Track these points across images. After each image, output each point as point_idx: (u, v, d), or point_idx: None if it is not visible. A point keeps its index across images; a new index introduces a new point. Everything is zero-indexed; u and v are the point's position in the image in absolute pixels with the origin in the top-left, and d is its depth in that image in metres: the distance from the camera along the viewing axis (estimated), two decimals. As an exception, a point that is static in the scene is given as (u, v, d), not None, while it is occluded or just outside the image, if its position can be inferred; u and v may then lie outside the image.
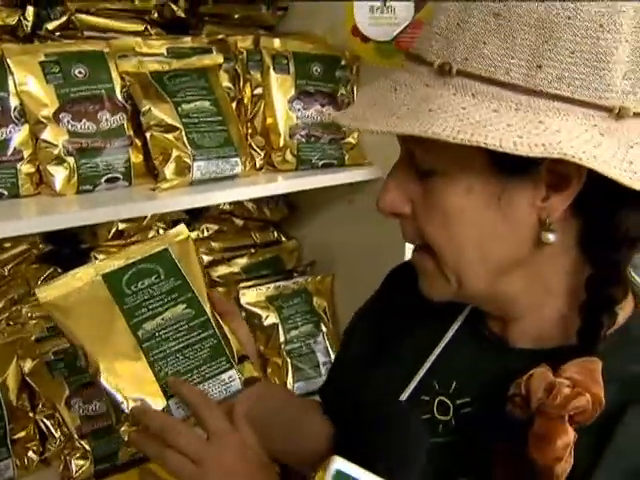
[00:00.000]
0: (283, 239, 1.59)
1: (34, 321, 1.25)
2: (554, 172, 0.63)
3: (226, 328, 0.84)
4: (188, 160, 1.14)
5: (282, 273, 1.55)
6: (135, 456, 1.22)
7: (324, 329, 1.51)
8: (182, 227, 0.90)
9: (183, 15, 1.32)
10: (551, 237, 0.65)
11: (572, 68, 0.60)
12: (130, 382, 0.78)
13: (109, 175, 1.13)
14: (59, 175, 1.08)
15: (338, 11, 1.36)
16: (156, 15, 1.30)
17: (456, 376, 0.79)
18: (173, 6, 1.31)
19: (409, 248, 1.35)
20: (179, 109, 1.16)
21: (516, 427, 0.64)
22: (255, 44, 1.30)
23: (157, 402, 0.78)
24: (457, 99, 0.62)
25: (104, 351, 0.79)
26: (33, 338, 1.23)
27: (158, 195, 1.13)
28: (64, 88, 1.10)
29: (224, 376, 0.81)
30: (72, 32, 1.21)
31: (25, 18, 1.17)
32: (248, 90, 1.30)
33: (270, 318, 1.44)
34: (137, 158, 1.16)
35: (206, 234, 1.44)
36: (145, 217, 1.32)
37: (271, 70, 1.29)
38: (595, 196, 0.63)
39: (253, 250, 1.54)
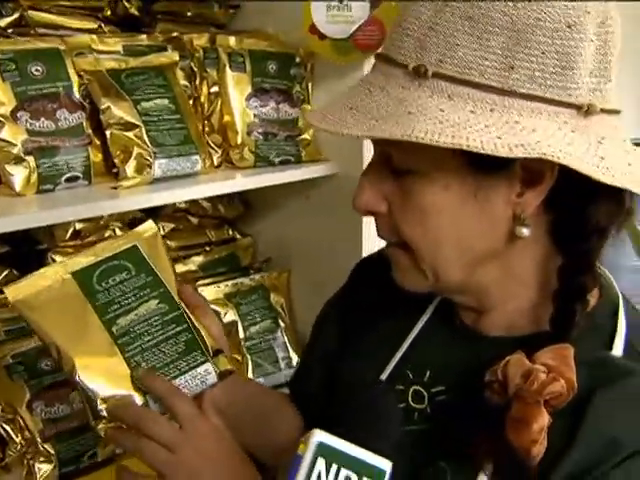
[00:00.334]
0: (238, 236, 1.59)
1: (-10, 325, 1.22)
2: (528, 169, 0.66)
3: (198, 322, 0.84)
4: (149, 158, 1.14)
5: (238, 270, 1.55)
6: (100, 458, 1.21)
7: (282, 325, 1.53)
8: (150, 223, 0.91)
9: (136, 13, 1.31)
10: (525, 231, 0.68)
11: (543, 68, 0.62)
12: (107, 378, 0.78)
13: (69, 174, 1.11)
14: (19, 175, 1.06)
15: (290, 9, 1.38)
16: (109, 13, 1.29)
17: (429, 365, 0.81)
18: (126, 4, 1.29)
19: (365, 243, 1.38)
20: (138, 107, 1.15)
21: (492, 412, 0.67)
22: (211, 42, 1.31)
23: (135, 398, 0.78)
24: (434, 101, 0.64)
25: (79, 348, 0.78)
26: (-10, 342, 1.20)
27: (119, 194, 1.12)
28: (21, 86, 1.08)
29: (200, 369, 0.82)
30: (24, 29, 1.18)
31: (-24, 16, 1.14)
32: (205, 88, 1.30)
33: (229, 315, 1.44)
34: (96, 157, 1.15)
35: (162, 233, 1.43)
36: (102, 217, 1.30)
37: (227, 68, 1.30)
38: (566, 190, 0.66)
39: (208, 248, 1.53)
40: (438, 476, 0.72)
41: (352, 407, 0.70)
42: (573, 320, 0.68)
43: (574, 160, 0.62)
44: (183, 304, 0.84)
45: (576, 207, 0.68)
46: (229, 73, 1.30)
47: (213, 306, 1.42)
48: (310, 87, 1.39)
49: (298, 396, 1.05)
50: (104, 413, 0.77)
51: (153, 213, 1.41)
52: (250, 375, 1.44)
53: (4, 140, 1.05)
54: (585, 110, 0.64)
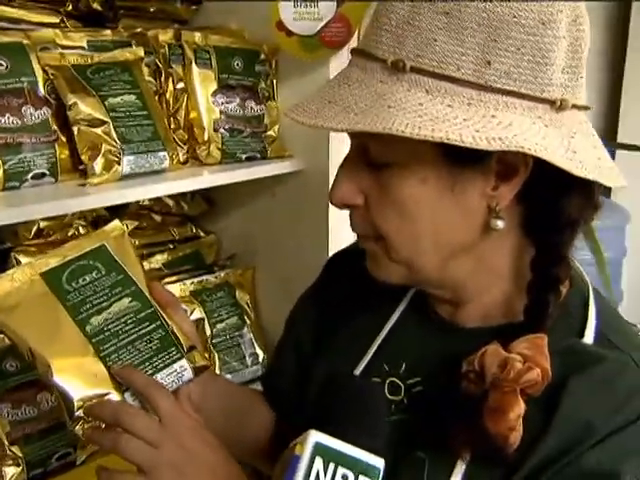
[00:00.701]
0: (202, 234, 1.58)
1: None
2: (503, 162, 0.67)
3: (170, 319, 0.84)
4: (117, 155, 1.12)
5: (203, 268, 1.55)
6: (69, 459, 1.19)
7: (248, 321, 1.53)
8: (116, 223, 0.90)
9: (99, 8, 1.29)
10: (500, 224, 0.70)
11: (518, 64, 0.64)
12: (83, 378, 0.77)
13: (35, 171, 1.09)
14: (-16, 172, 1.03)
15: (252, 6, 1.38)
16: (70, 7, 1.27)
17: (405, 357, 0.82)
18: (89, -1, 1.28)
19: (332, 239, 1.39)
20: (106, 103, 1.14)
21: (469, 402, 0.68)
22: (176, 38, 1.29)
23: (111, 396, 0.77)
24: (412, 95, 0.65)
25: (53, 349, 0.77)
26: (-49, 345, 1.17)
27: (87, 191, 1.11)
28: (-15, 81, 1.05)
29: (176, 366, 0.81)
30: (-16, 23, 1.16)
31: None
32: (170, 84, 1.29)
33: (195, 312, 1.44)
34: (63, 154, 1.13)
35: (126, 231, 1.41)
36: (65, 215, 1.28)
37: (193, 64, 1.29)
38: (540, 184, 0.68)
39: (172, 246, 1.53)
40: (416, 466, 0.73)
41: (340, 402, 0.71)
42: (547, 310, 0.70)
43: (550, 154, 0.63)
44: (155, 302, 0.84)
45: (549, 200, 0.70)
46: (195, 69, 1.29)
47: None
48: (275, 83, 1.39)
49: (271, 392, 1.05)
50: (81, 414, 0.76)
51: (117, 211, 1.40)
52: (217, 372, 1.44)
53: (-31, 136, 1.03)
54: (558, 105, 0.66)
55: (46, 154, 1.11)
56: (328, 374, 0.88)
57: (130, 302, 0.82)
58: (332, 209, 1.36)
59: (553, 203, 0.70)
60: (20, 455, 1.14)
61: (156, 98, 1.27)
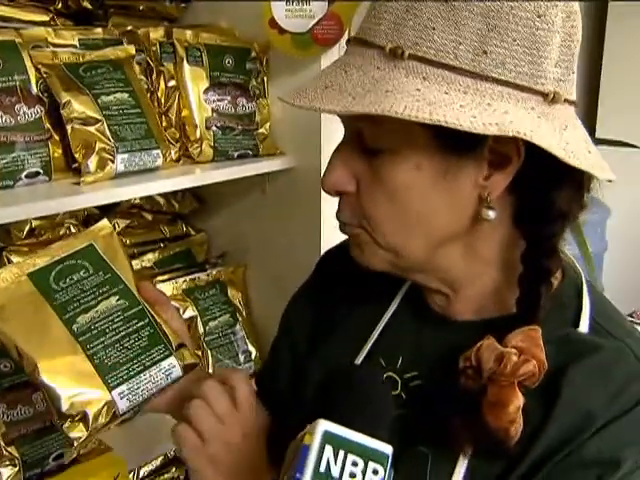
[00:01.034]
0: (192, 232, 1.58)
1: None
2: (496, 152, 0.68)
3: (159, 317, 0.85)
4: (111, 153, 1.12)
5: (194, 266, 1.55)
6: (66, 459, 1.19)
7: (240, 319, 1.53)
8: (105, 222, 0.91)
9: (89, 6, 1.29)
10: (491, 214, 0.70)
11: (514, 55, 0.65)
12: (70, 377, 0.78)
13: (29, 170, 1.09)
14: (-22, 171, 1.03)
15: (241, 4, 1.38)
16: (60, 5, 1.26)
17: (401, 351, 0.83)
18: (79, -4, 1.27)
19: (324, 236, 1.40)
20: (99, 101, 1.13)
21: (468, 397, 0.68)
22: (167, 36, 1.29)
23: (100, 395, 0.78)
24: (409, 81, 0.65)
25: (40, 348, 0.78)
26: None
27: (81, 189, 1.11)
28: (-22, 80, 1.05)
29: (164, 363, 0.82)
30: (-26, 22, 1.15)
31: None
32: (162, 82, 1.29)
33: (188, 311, 1.43)
34: (56, 152, 1.13)
35: (117, 229, 1.41)
36: (57, 214, 1.28)
37: (185, 62, 1.29)
38: (531, 175, 0.69)
39: (162, 244, 1.52)
40: (419, 461, 0.73)
41: (343, 393, 0.72)
42: (539, 302, 0.70)
43: (545, 141, 0.64)
44: (143, 300, 0.85)
45: (540, 192, 0.70)
46: (187, 67, 1.29)
47: (172, 302, 1.41)
48: (266, 81, 1.40)
49: (265, 392, 1.03)
50: (71, 412, 0.77)
51: (108, 210, 1.40)
52: (210, 370, 1.44)
53: (-38, 135, 1.02)
54: (551, 98, 0.66)
55: (39, 153, 1.11)
56: (329, 367, 0.89)
57: (118, 300, 0.83)
58: (324, 206, 1.37)
59: (544, 195, 0.70)
60: (16, 455, 1.13)
61: (148, 96, 1.27)
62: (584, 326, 0.74)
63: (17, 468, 1.13)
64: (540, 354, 0.66)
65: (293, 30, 1.23)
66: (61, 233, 1.31)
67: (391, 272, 0.79)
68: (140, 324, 0.82)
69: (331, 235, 1.38)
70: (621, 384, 0.69)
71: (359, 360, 0.85)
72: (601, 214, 2.62)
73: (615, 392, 0.68)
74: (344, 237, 1.07)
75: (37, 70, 1.11)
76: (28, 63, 1.11)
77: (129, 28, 1.29)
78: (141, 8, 1.38)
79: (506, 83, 0.65)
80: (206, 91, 1.31)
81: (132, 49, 1.24)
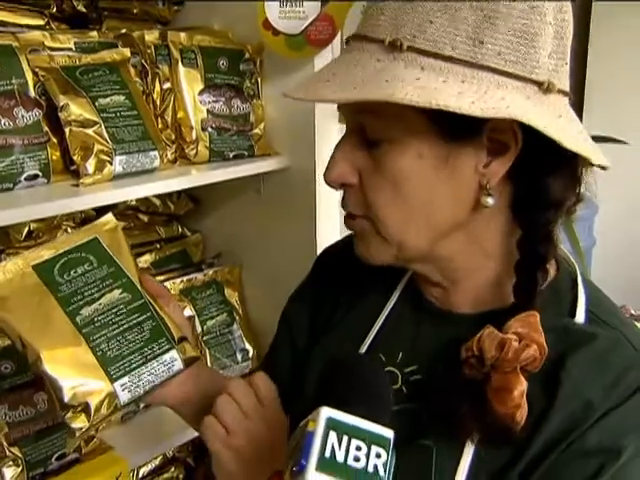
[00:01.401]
0: (188, 233, 1.60)
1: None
2: (494, 140, 0.69)
3: (162, 311, 0.86)
4: (109, 155, 1.14)
5: (190, 266, 1.56)
6: (69, 459, 1.20)
7: (237, 318, 1.54)
8: (109, 216, 0.92)
9: (84, 10, 1.30)
10: (490, 201, 0.71)
11: (509, 45, 0.67)
12: (73, 368, 0.79)
13: (28, 172, 1.10)
14: (-21, 174, 1.04)
15: (234, 6, 1.40)
16: (55, 9, 1.28)
17: (401, 346, 0.84)
18: (73, 0, 1.28)
19: (319, 236, 1.41)
20: (96, 104, 1.15)
21: (473, 386, 0.70)
22: (162, 38, 1.30)
23: (102, 386, 0.79)
24: (409, 72, 0.67)
25: (44, 340, 0.79)
26: (-53, 348, 1.17)
27: (80, 191, 1.12)
28: (-23, 84, 1.06)
29: (166, 357, 0.84)
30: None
31: None
32: (157, 84, 1.30)
33: (186, 310, 1.44)
34: (54, 155, 1.14)
35: (114, 231, 1.42)
36: (55, 216, 1.29)
37: (180, 64, 1.30)
38: (528, 162, 0.70)
39: (159, 245, 1.54)
40: (424, 454, 0.74)
41: (341, 381, 0.73)
42: (535, 288, 0.72)
43: (542, 124, 0.66)
44: (146, 293, 0.86)
45: (536, 179, 0.72)
46: (181, 69, 1.30)
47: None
48: (260, 82, 1.41)
49: None
50: (73, 402, 0.78)
51: (104, 212, 1.40)
52: (208, 369, 1.45)
53: (-38, 139, 1.03)
54: (546, 87, 0.68)
55: (38, 155, 1.12)
56: (329, 356, 0.90)
57: (121, 294, 0.84)
58: (319, 205, 1.38)
59: (539, 182, 0.72)
60: (20, 455, 1.14)
61: (143, 98, 1.28)
62: (580, 316, 0.75)
63: (20, 468, 1.14)
64: (540, 338, 0.68)
65: (287, 31, 1.25)
66: (58, 235, 1.31)
67: (395, 264, 0.80)
68: (143, 317, 0.84)
69: (326, 234, 1.40)
70: (618, 373, 0.70)
71: None
72: (589, 210, 2.65)
73: (613, 381, 0.70)
74: (339, 236, 1.09)
75: (34, 73, 1.13)
76: (25, 67, 1.12)
77: (124, 31, 1.30)
78: (135, 11, 1.39)
79: (502, 72, 0.67)
80: (201, 93, 1.32)
81: (127, 52, 1.25)
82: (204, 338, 1.47)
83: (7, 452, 1.13)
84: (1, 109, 1.08)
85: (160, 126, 1.31)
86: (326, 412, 0.60)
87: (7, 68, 1.10)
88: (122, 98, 1.19)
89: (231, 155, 1.36)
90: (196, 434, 1.01)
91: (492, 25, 0.66)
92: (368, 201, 0.74)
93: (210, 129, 1.33)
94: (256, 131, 1.40)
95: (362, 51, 0.71)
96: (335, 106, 0.80)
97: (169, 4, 1.45)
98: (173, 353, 0.84)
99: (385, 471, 0.59)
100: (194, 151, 1.31)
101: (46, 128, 1.13)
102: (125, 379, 0.80)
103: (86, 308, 0.82)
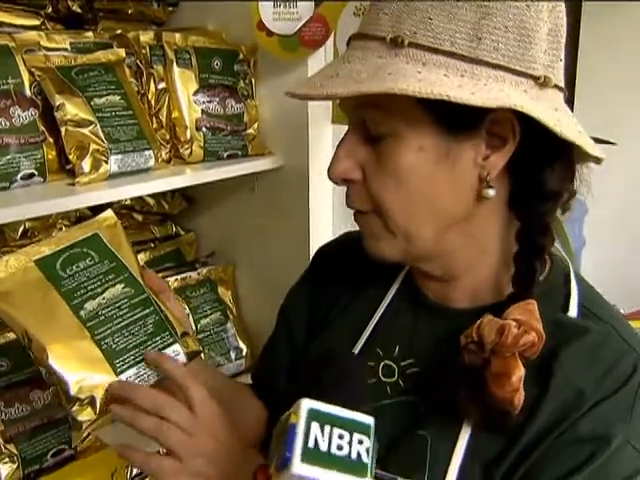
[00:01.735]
0: (182, 232, 1.61)
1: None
2: (493, 133, 0.72)
3: (164, 305, 0.87)
4: (105, 154, 1.14)
5: (184, 265, 1.57)
6: (64, 455, 1.21)
7: (231, 317, 1.55)
8: (109, 213, 0.93)
9: (79, 10, 1.31)
10: (491, 192, 0.74)
11: (506, 41, 0.69)
12: (78, 362, 0.80)
13: (24, 171, 1.11)
14: (-24, 173, 1.05)
15: (228, 7, 1.41)
16: (50, 10, 1.28)
17: (398, 340, 0.85)
18: (68, 1, 1.29)
19: (312, 235, 1.42)
20: (92, 103, 1.15)
21: (472, 372, 0.72)
22: (157, 39, 1.31)
23: (107, 379, 0.80)
24: (410, 67, 0.69)
25: (49, 334, 0.80)
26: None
27: (76, 190, 1.12)
28: (-27, 84, 1.06)
29: (169, 350, 0.85)
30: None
31: None
32: (152, 84, 1.31)
33: (180, 309, 1.45)
34: (50, 154, 1.15)
35: (109, 230, 1.43)
36: (50, 215, 1.30)
37: (174, 64, 1.31)
38: (525, 155, 0.73)
39: (153, 244, 1.55)
40: (419, 444, 0.76)
41: (318, 376, 0.75)
42: (533, 277, 0.74)
43: (540, 114, 0.68)
44: (148, 288, 0.87)
45: (533, 171, 0.74)
46: (176, 69, 1.31)
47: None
48: (254, 82, 1.42)
49: (264, 386, 1.06)
50: (79, 395, 0.79)
51: (99, 211, 1.41)
52: (203, 367, 1.46)
53: (-41, 138, 1.04)
54: (542, 82, 0.71)
55: (34, 154, 1.13)
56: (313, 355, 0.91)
57: (124, 288, 0.85)
58: (313, 204, 1.40)
59: (537, 174, 0.74)
60: (15, 452, 1.15)
61: (138, 98, 1.28)
62: (573, 311, 0.78)
63: (16, 465, 1.15)
64: (538, 325, 0.70)
65: (280, 32, 1.26)
66: (54, 234, 1.32)
67: (402, 261, 0.82)
68: (146, 311, 0.85)
69: (319, 233, 1.41)
70: (610, 364, 0.73)
71: (356, 350, 0.88)
72: (579, 211, 2.67)
73: (604, 372, 0.72)
74: (332, 235, 1.10)
75: (31, 73, 1.13)
76: (22, 67, 1.13)
77: (119, 32, 1.31)
78: (130, 12, 1.40)
79: (500, 67, 0.69)
80: (195, 93, 1.34)
81: (122, 52, 1.26)
82: (198, 336, 1.48)
83: (3, 449, 1.14)
84: (-2, 109, 1.09)
85: (155, 126, 1.32)
86: (307, 404, 0.62)
87: (3, 68, 1.10)
88: (117, 98, 1.20)
89: (225, 155, 1.37)
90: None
91: (490, 22, 0.69)
92: (373, 195, 0.76)
93: (204, 129, 1.34)
94: (250, 131, 1.41)
95: (364, 49, 0.73)
96: (329, 107, 0.82)
97: (164, 5, 1.46)
98: (176, 347, 0.85)
99: (368, 457, 0.61)
100: (188, 151, 1.33)
101: (42, 127, 1.14)
102: (130, 372, 0.82)
103: (90, 302, 0.83)
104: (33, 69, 1.13)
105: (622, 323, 0.78)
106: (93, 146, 1.14)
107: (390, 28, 0.71)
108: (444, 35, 0.69)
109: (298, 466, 0.59)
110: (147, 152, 1.22)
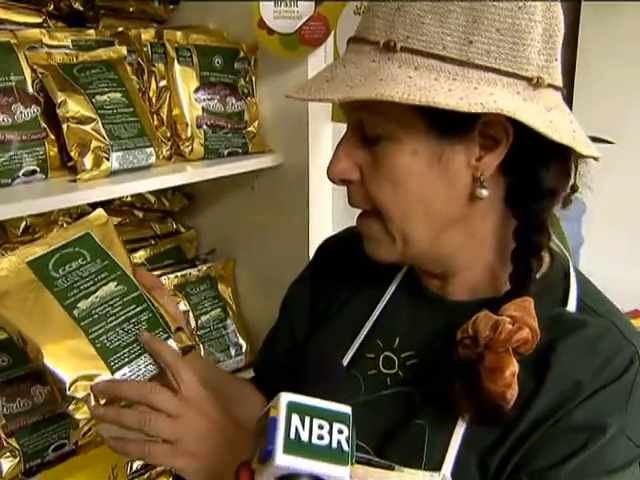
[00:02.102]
0: (182, 229, 1.61)
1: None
2: (485, 135, 0.73)
3: (157, 302, 0.88)
4: (106, 151, 1.15)
5: (184, 262, 1.58)
6: (66, 450, 1.22)
7: (231, 313, 1.56)
8: (100, 211, 0.94)
9: (81, 8, 1.32)
10: (484, 192, 0.75)
11: (498, 43, 0.70)
12: (74, 360, 0.81)
13: (26, 168, 1.12)
14: (-22, 169, 1.05)
15: (229, 5, 1.42)
16: (52, 7, 1.29)
17: (398, 332, 0.87)
18: (71, -1, 1.30)
19: (312, 232, 1.43)
20: (93, 101, 1.16)
21: (466, 366, 0.73)
22: (158, 37, 1.32)
23: (103, 377, 0.81)
24: (402, 71, 0.71)
25: (43, 334, 0.81)
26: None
27: (78, 187, 1.13)
28: (-23, 80, 1.07)
29: None
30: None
31: None
32: (153, 82, 1.32)
33: (180, 305, 1.46)
34: (52, 151, 1.16)
35: (109, 226, 1.44)
36: (52, 211, 1.30)
37: (175, 62, 1.32)
38: (520, 155, 0.74)
39: (153, 241, 1.56)
40: (417, 433, 0.78)
41: (297, 373, 0.76)
42: (530, 275, 0.76)
43: (528, 117, 0.69)
44: (140, 286, 0.88)
45: (528, 170, 0.75)
46: (177, 67, 1.32)
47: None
48: (254, 80, 1.43)
49: (265, 379, 1.07)
50: (75, 394, 0.79)
51: (102, 207, 1.42)
52: (202, 363, 1.47)
53: (-39, 134, 1.05)
54: (535, 82, 0.72)
55: (36, 151, 1.13)
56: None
57: (117, 286, 0.86)
58: (312, 202, 1.40)
59: (532, 173, 0.75)
60: (17, 447, 1.16)
61: (140, 96, 1.29)
62: (572, 306, 0.79)
63: (17, 459, 1.16)
64: (533, 322, 0.71)
65: (281, 31, 1.27)
66: (55, 230, 1.33)
67: (401, 263, 0.83)
68: (139, 308, 0.85)
69: (318, 230, 1.42)
70: (607, 357, 0.74)
71: (357, 343, 0.89)
72: (577, 210, 2.67)
73: (601, 364, 0.74)
74: (331, 232, 1.11)
75: (33, 70, 1.14)
76: (24, 64, 1.13)
77: (120, 29, 1.31)
78: (131, 10, 1.41)
79: (492, 69, 0.70)
80: (196, 90, 1.34)
81: (124, 50, 1.27)
82: (198, 333, 1.48)
83: (4, 443, 1.15)
84: (0, 105, 1.09)
85: (156, 123, 1.32)
86: (286, 397, 0.63)
87: (6, 65, 1.11)
88: (119, 95, 1.21)
89: (225, 152, 1.38)
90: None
91: (481, 25, 0.70)
92: (370, 195, 0.78)
93: (205, 126, 1.35)
94: (250, 129, 1.42)
95: (359, 52, 0.75)
96: (329, 105, 0.83)
97: (165, 3, 1.47)
98: (170, 342, 0.86)
99: (349, 445, 0.62)
100: (189, 148, 1.33)
101: (44, 124, 1.15)
102: (125, 369, 0.82)
103: (83, 301, 0.83)
104: (35, 66, 1.14)
105: (620, 318, 0.79)
106: (94, 143, 1.14)
107: (383, 32, 0.73)
108: (436, 39, 0.70)
109: (281, 457, 0.60)
110: (148, 149, 1.22)
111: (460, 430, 0.75)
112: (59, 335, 0.81)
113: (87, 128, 1.15)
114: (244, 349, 1.56)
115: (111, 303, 0.84)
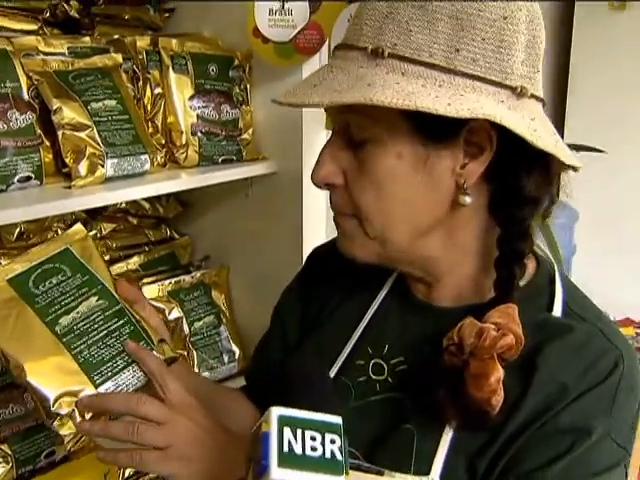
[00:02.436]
0: (176, 236, 1.62)
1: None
2: (470, 142, 0.74)
3: (138, 315, 0.88)
4: (101, 158, 1.16)
5: (178, 268, 1.58)
6: (57, 456, 1.21)
7: (224, 320, 1.57)
8: (79, 226, 0.94)
9: (76, 15, 1.32)
10: (467, 199, 0.76)
11: (483, 52, 0.71)
12: (57, 377, 0.81)
13: (21, 174, 1.12)
14: (-27, 176, 1.06)
15: (224, 13, 1.43)
16: (48, 14, 1.30)
17: (387, 339, 0.88)
18: (66, 6, 1.30)
19: (305, 240, 1.44)
20: (88, 108, 1.17)
21: (452, 373, 0.74)
22: (153, 44, 1.33)
23: (87, 393, 0.81)
24: (390, 77, 0.72)
25: (25, 351, 0.81)
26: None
27: (72, 193, 1.14)
28: (-29, 88, 1.08)
29: None
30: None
31: None
32: (148, 89, 1.32)
33: (174, 312, 1.47)
34: (47, 157, 1.16)
35: (103, 233, 1.45)
36: (46, 218, 1.31)
37: (170, 70, 1.32)
38: (503, 163, 0.75)
39: (147, 248, 1.56)
40: (406, 438, 0.78)
41: (284, 385, 0.76)
42: (513, 282, 0.77)
43: (513, 124, 0.70)
44: (121, 299, 0.88)
45: (511, 178, 0.76)
46: (172, 75, 1.33)
47: (157, 303, 1.44)
48: (249, 88, 1.44)
49: (256, 387, 1.07)
50: (59, 411, 0.79)
51: (94, 214, 1.43)
52: (195, 370, 1.47)
53: (-43, 141, 1.05)
54: (518, 92, 0.73)
55: (31, 157, 1.14)
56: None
57: (97, 300, 0.86)
58: (306, 209, 1.41)
59: (515, 181, 0.76)
60: (9, 453, 1.16)
61: (135, 103, 1.30)
62: (557, 311, 0.80)
63: (10, 465, 1.16)
64: (517, 329, 0.72)
65: (276, 39, 1.28)
66: (49, 236, 1.33)
67: (377, 263, 0.84)
68: (121, 322, 0.86)
69: (312, 238, 1.43)
70: (591, 360, 0.75)
71: (347, 349, 0.90)
72: (569, 218, 2.69)
73: (586, 367, 0.75)
74: (325, 239, 1.12)
75: (28, 77, 1.15)
76: (19, 71, 1.14)
77: (116, 37, 1.32)
78: (126, 17, 1.41)
79: (477, 78, 0.72)
80: (191, 98, 1.35)
81: (119, 57, 1.28)
82: (191, 339, 1.49)
83: (-3, 450, 1.15)
84: (-5, 112, 1.10)
85: (151, 130, 1.33)
86: (276, 411, 0.63)
87: (1, 72, 1.12)
88: (114, 102, 1.21)
89: (220, 159, 1.39)
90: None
91: (467, 34, 0.71)
92: (353, 200, 0.79)
93: (200, 134, 1.35)
94: (245, 136, 1.43)
95: (346, 59, 0.76)
96: (322, 112, 0.84)
97: (160, 11, 1.48)
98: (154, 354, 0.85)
99: (342, 455, 0.62)
100: (184, 155, 1.34)
101: (39, 131, 1.15)
102: (109, 384, 0.82)
103: (64, 317, 0.83)
104: (31, 73, 1.15)
105: (607, 324, 0.81)
106: (89, 150, 1.15)
107: (372, 39, 0.74)
108: (423, 47, 0.71)
109: (276, 471, 0.60)
110: (143, 156, 1.23)
111: (448, 434, 0.76)
112: (41, 352, 0.81)
113: (82, 135, 1.15)
114: (237, 356, 1.56)
115: (92, 318, 0.84)
